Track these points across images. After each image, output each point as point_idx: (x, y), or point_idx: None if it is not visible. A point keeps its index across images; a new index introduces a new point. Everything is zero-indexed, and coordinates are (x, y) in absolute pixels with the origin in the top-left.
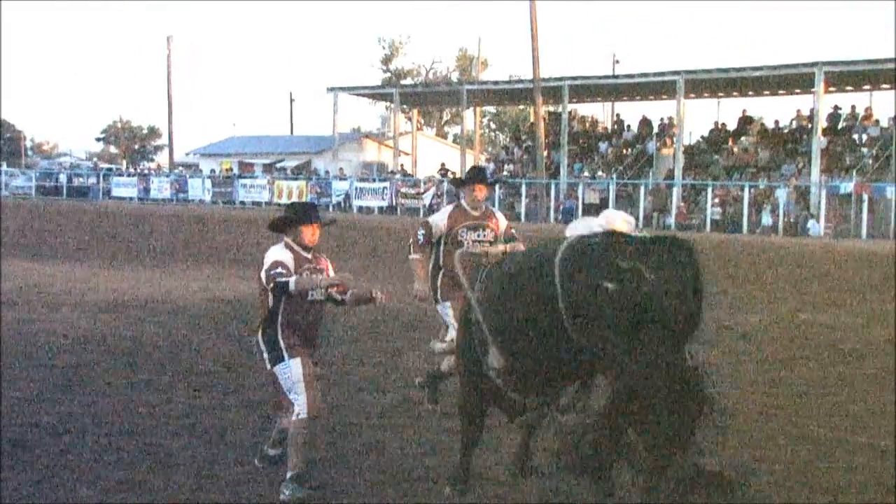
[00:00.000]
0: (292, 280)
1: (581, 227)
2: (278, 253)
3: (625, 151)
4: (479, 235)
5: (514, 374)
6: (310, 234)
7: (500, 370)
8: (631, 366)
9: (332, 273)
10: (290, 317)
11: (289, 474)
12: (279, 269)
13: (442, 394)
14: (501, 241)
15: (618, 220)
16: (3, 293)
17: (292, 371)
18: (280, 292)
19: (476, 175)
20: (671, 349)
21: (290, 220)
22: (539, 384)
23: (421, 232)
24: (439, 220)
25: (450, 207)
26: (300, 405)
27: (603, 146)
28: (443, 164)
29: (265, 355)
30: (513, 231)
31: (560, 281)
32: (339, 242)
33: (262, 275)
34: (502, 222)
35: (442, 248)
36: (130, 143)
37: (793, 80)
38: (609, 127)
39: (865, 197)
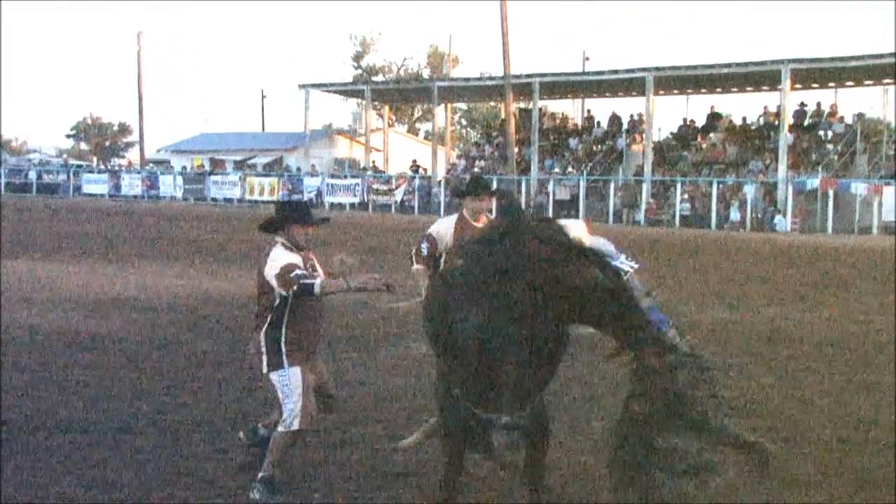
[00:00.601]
0: (317, 283)
1: None
2: (285, 255)
3: (595, 148)
4: None
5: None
6: (303, 234)
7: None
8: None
9: (319, 268)
10: (296, 320)
11: (260, 475)
12: (298, 272)
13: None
14: None
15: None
16: None
17: (290, 380)
18: (304, 294)
19: (478, 185)
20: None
21: (284, 219)
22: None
23: (424, 245)
24: (444, 232)
25: (453, 218)
26: (292, 415)
27: (573, 142)
28: (414, 161)
29: (263, 358)
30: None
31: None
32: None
33: (275, 278)
34: None
35: (443, 259)
36: (101, 140)
37: (760, 77)
38: (579, 123)
39: (831, 193)
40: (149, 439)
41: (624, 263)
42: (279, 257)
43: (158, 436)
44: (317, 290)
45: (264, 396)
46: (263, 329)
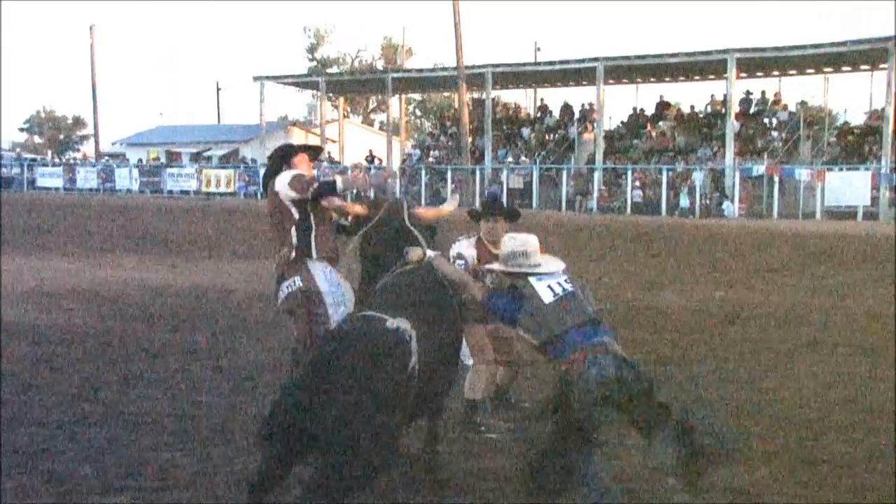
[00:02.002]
0: (339, 178)
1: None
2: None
3: (547, 137)
4: None
5: None
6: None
7: None
8: None
9: None
10: (323, 240)
11: None
12: (307, 179)
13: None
14: None
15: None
16: None
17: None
18: (327, 192)
19: (492, 209)
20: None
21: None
22: None
23: (461, 263)
24: (468, 254)
25: (472, 241)
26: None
27: (526, 132)
28: (370, 152)
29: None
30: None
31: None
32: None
33: (288, 188)
34: None
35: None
36: (55, 133)
37: (707, 66)
38: (532, 113)
39: (776, 179)
40: (106, 431)
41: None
42: (286, 175)
43: (115, 428)
44: (339, 185)
45: (221, 387)
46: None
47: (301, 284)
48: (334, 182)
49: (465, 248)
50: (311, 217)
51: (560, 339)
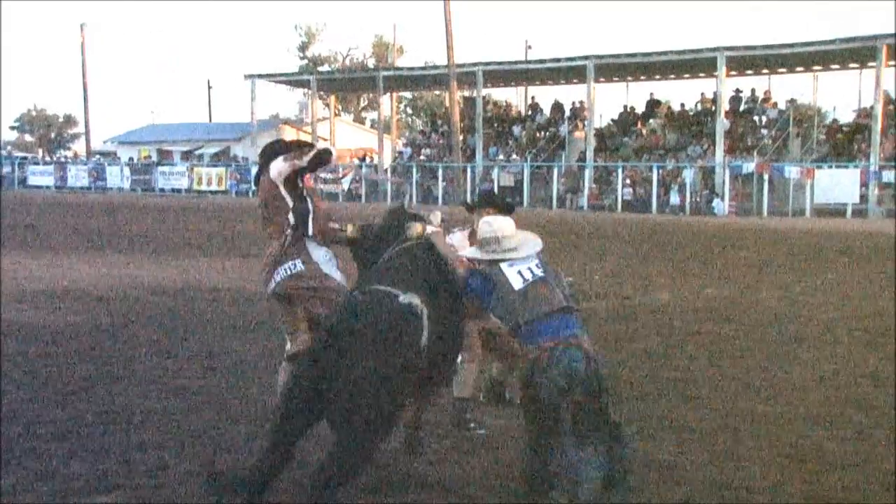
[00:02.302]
0: (333, 149)
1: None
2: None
3: (538, 135)
4: None
5: None
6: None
7: None
8: None
9: None
10: (320, 224)
11: None
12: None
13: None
14: None
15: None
16: None
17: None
18: (325, 159)
19: (486, 201)
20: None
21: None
22: None
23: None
24: (458, 242)
25: (466, 232)
26: None
27: (517, 130)
28: (362, 150)
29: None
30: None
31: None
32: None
33: (282, 163)
34: None
35: None
36: (46, 132)
37: (697, 64)
38: (522, 111)
39: (766, 176)
40: (96, 430)
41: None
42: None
43: (108, 426)
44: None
45: (212, 386)
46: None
47: (303, 267)
48: (328, 152)
49: (458, 240)
50: (309, 201)
51: (530, 326)
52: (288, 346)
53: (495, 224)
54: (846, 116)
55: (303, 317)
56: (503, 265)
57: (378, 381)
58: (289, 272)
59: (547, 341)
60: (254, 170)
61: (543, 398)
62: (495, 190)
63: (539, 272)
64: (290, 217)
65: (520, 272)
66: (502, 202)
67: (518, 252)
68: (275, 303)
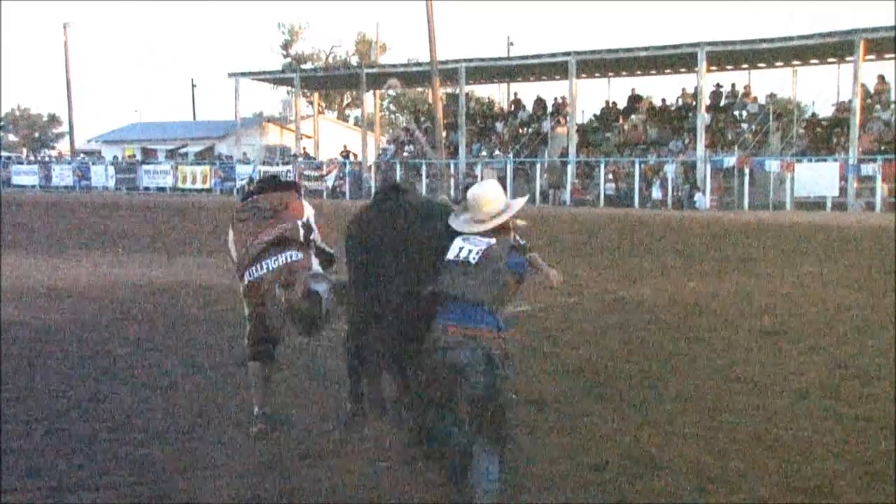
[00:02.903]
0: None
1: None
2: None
3: (520, 131)
4: None
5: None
6: None
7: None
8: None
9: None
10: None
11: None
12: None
13: None
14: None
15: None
16: None
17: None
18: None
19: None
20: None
21: None
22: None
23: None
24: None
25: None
26: None
27: (499, 126)
28: (345, 147)
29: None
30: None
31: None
32: None
33: (314, 225)
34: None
35: None
36: (30, 131)
37: (677, 60)
38: (505, 107)
39: (747, 170)
40: (82, 428)
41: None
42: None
43: (94, 422)
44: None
45: (198, 383)
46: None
47: (302, 257)
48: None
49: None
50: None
51: (443, 302)
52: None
53: (476, 190)
54: (825, 110)
55: (268, 311)
56: (459, 237)
57: None
58: (290, 259)
59: (450, 324)
60: (238, 168)
61: (427, 377)
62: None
63: (473, 257)
64: (300, 227)
65: (461, 246)
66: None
67: (472, 227)
68: (254, 287)
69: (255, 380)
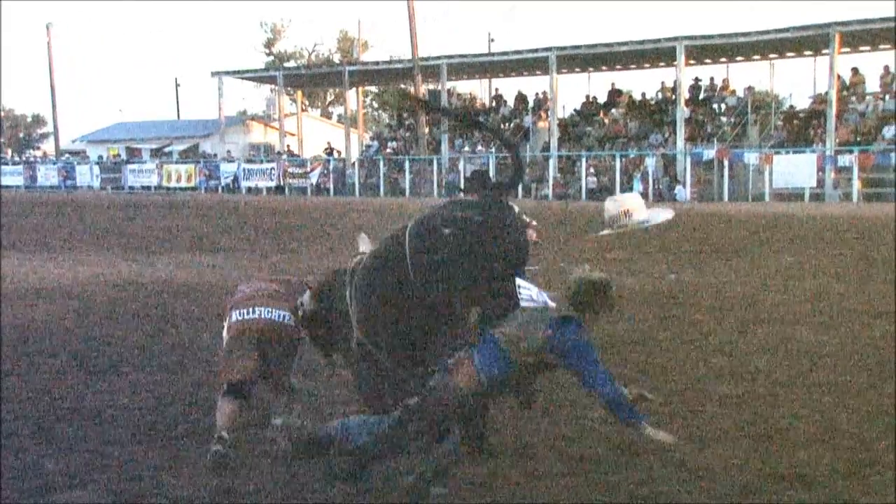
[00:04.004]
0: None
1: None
2: None
3: (503, 126)
4: None
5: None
6: None
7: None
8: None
9: None
10: None
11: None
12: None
13: None
14: None
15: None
16: None
17: None
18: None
19: (476, 182)
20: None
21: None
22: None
23: None
24: None
25: None
26: None
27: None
28: (328, 144)
29: None
30: (524, 217)
31: (408, 240)
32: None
33: (302, 306)
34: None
35: None
36: (14, 132)
37: (656, 54)
38: (487, 103)
39: (726, 163)
40: (70, 427)
41: None
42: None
43: (80, 422)
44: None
45: (185, 381)
46: None
47: (290, 321)
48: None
49: None
50: None
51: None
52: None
53: (623, 200)
54: (802, 103)
55: (252, 353)
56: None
57: None
58: (279, 318)
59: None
60: (223, 166)
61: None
62: (461, 181)
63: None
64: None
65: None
66: (492, 182)
67: (650, 221)
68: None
69: (222, 413)
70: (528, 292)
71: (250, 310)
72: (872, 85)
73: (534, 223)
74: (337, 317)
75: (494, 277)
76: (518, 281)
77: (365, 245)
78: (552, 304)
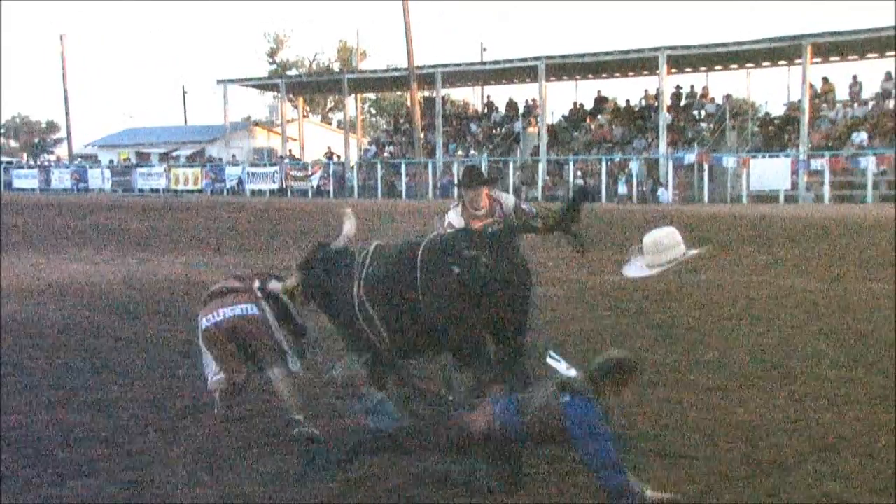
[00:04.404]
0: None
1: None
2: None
3: (494, 131)
4: None
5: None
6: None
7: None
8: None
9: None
10: None
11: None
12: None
13: None
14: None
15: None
16: None
17: None
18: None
19: (471, 177)
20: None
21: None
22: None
23: (447, 222)
24: (455, 220)
25: (458, 208)
26: None
27: (474, 127)
28: (328, 148)
29: None
30: (524, 206)
31: (419, 268)
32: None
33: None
34: (507, 205)
35: None
36: (30, 137)
37: (640, 63)
38: (479, 109)
39: (706, 166)
40: (81, 415)
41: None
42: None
43: (90, 412)
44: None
45: (189, 373)
46: None
47: (256, 312)
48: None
49: (453, 217)
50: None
51: None
52: (219, 376)
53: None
54: (777, 110)
55: (233, 351)
56: None
57: None
58: (242, 312)
59: None
60: (228, 169)
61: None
62: (455, 184)
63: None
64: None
65: None
66: (486, 177)
67: (687, 254)
68: (211, 335)
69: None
70: (558, 365)
71: (216, 313)
72: (842, 93)
73: (533, 211)
74: (334, 284)
75: (498, 309)
76: (550, 359)
77: (350, 222)
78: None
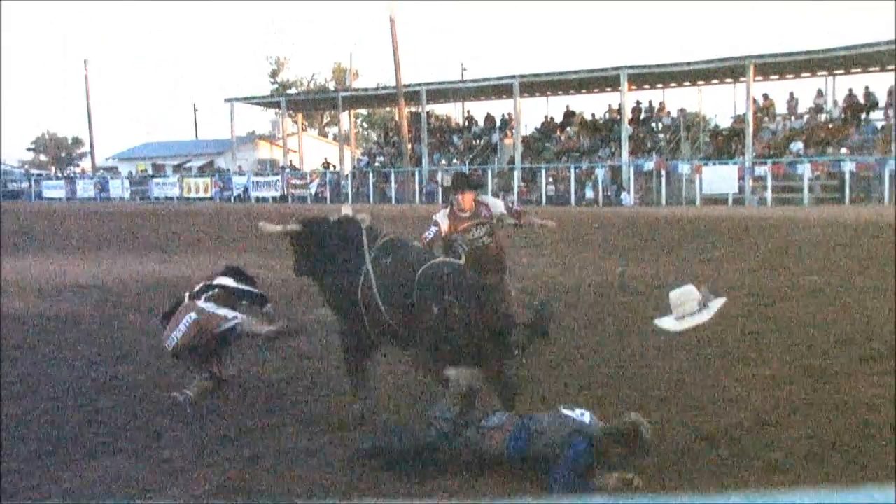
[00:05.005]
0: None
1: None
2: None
3: (474, 142)
4: (473, 234)
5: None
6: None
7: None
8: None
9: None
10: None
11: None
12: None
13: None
14: (503, 222)
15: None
16: None
17: None
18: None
19: (460, 183)
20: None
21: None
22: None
23: (433, 230)
24: (442, 221)
25: (447, 210)
26: None
27: (456, 139)
28: (325, 159)
29: None
30: (511, 206)
31: (416, 287)
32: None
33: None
34: (495, 208)
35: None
36: (57, 152)
37: (604, 80)
38: (460, 123)
39: (664, 172)
40: (106, 400)
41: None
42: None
43: (114, 396)
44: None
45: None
46: None
47: (197, 316)
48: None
49: (440, 217)
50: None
51: None
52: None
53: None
54: (725, 122)
55: (206, 356)
56: None
57: None
58: (187, 324)
59: None
60: (235, 178)
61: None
62: (440, 190)
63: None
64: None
65: None
66: (473, 182)
67: (712, 308)
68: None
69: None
70: (571, 413)
71: (170, 338)
72: (781, 108)
73: (517, 208)
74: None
75: (474, 346)
76: (563, 408)
77: (347, 209)
78: (591, 423)
